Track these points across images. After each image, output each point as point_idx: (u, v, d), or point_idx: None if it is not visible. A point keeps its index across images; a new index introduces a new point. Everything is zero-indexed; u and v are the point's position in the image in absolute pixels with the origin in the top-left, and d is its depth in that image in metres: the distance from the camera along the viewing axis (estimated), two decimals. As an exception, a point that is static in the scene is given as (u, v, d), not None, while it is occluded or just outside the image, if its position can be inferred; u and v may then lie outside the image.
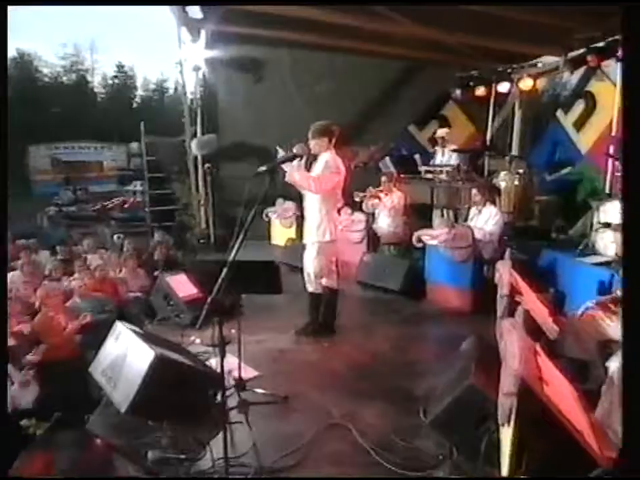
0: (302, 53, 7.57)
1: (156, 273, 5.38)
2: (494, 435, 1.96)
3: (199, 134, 6.24)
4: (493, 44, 6.14)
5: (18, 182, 21.06)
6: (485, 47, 6.22)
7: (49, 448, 1.86)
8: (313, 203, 3.84)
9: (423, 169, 6.58)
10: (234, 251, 1.90)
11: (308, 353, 3.73)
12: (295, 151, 3.29)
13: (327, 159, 3.72)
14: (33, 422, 2.43)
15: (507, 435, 1.66)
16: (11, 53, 28.44)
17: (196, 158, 6.31)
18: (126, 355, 2.68)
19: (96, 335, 4.74)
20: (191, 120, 6.29)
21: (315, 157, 3.75)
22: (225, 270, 1.84)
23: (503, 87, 7.48)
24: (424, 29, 5.78)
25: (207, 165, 5.41)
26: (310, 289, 3.96)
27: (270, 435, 2.61)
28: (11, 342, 4.30)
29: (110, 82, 32.05)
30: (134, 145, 21.30)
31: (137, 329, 2.93)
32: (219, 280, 1.82)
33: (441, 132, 6.93)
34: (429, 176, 6.41)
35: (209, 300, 1.81)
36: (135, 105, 31.40)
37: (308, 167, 3.79)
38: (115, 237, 7.83)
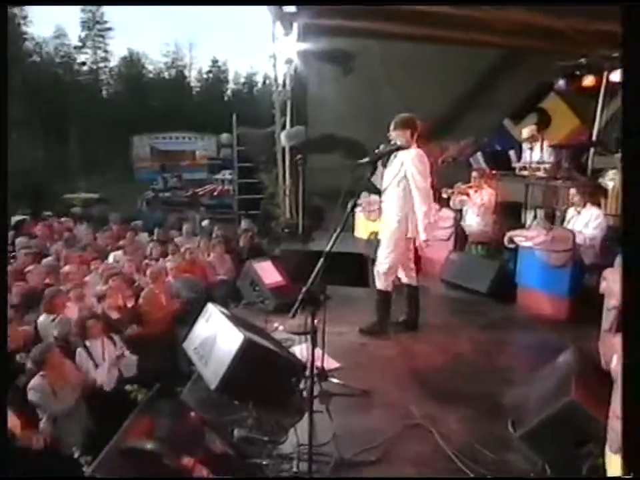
0: (392, 44, 7.41)
1: (244, 261, 5.60)
2: (598, 461, 1.78)
3: (287, 126, 6.38)
4: (610, 27, 5.53)
5: (122, 169, 23.14)
6: (600, 30, 5.63)
7: (152, 415, 2.01)
8: (392, 198, 3.74)
9: (517, 165, 6.17)
10: (331, 242, 1.90)
11: (389, 348, 3.67)
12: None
13: (413, 156, 3.60)
14: (135, 387, 2.64)
15: (616, 464, 1.50)
16: (123, 52, 31.17)
17: (284, 149, 6.46)
18: (216, 336, 2.82)
19: (187, 313, 5.08)
20: (281, 112, 6.43)
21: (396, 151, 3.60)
22: (321, 260, 1.85)
23: (617, 76, 6.73)
24: (529, 14, 5.38)
25: (298, 156, 5.51)
26: (379, 286, 3.84)
27: (349, 428, 2.61)
28: (113, 315, 4.74)
29: (204, 76, 33.94)
30: (224, 136, 22.36)
31: (227, 312, 3.07)
32: (316, 270, 1.83)
33: (527, 131, 6.40)
34: (524, 173, 6.00)
35: (304, 289, 1.83)
36: (226, 98, 32.96)
37: (385, 162, 3.68)
38: (205, 222, 8.30)
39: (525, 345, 3.99)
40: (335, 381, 3.04)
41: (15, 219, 9.06)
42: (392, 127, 3.65)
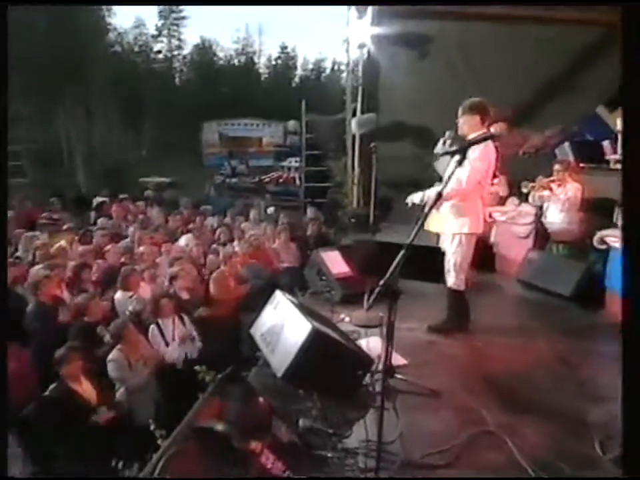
0: (471, 25, 7.03)
1: (310, 249, 5.66)
2: None
3: (358, 112, 6.30)
4: None
5: (192, 154, 24.17)
6: None
7: (222, 397, 2.08)
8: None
9: (612, 158, 5.68)
10: (413, 233, 1.84)
11: (459, 348, 3.55)
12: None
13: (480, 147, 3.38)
14: (203, 369, 2.74)
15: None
16: (196, 40, 32.37)
17: (353, 136, 6.40)
18: (284, 324, 2.85)
19: (251, 299, 5.22)
20: (352, 98, 6.36)
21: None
22: (402, 252, 1.80)
23: None
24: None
25: (372, 144, 5.43)
26: (449, 283, 3.69)
27: (416, 428, 2.55)
28: (184, 295, 4.97)
29: (273, 63, 34.43)
30: (291, 123, 22.64)
31: (295, 300, 3.10)
32: (396, 262, 1.78)
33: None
34: (619, 166, 5.52)
35: (382, 281, 1.79)
36: (293, 85, 33.28)
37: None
38: (271, 209, 8.47)
39: (615, 357, 3.69)
40: (402, 377, 2.98)
41: (96, 200, 9.75)
42: (460, 111, 3.48)
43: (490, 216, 5.27)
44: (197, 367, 2.67)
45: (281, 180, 16.39)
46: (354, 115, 6.38)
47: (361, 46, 6.72)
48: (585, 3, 4.87)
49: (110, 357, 3.94)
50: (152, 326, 4.46)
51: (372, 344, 3.24)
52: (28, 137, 18.32)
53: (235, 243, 6.66)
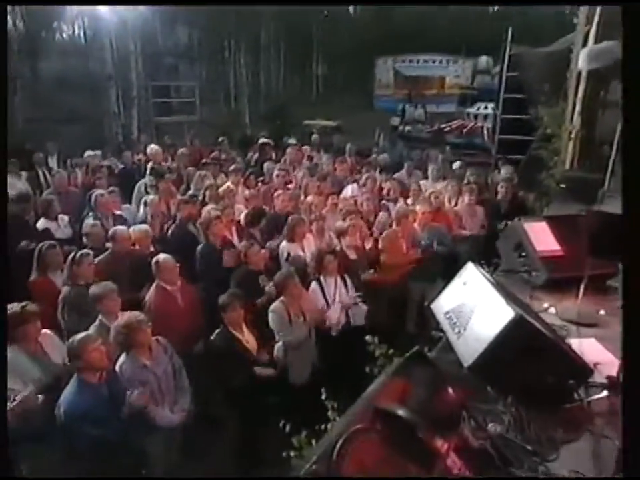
0: None
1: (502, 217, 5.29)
2: None
3: (591, 41, 5.44)
4: None
5: (361, 95, 24.42)
6: None
7: (408, 379, 2.04)
8: None
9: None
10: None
11: None
12: None
13: None
14: (375, 341, 2.76)
15: None
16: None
17: (579, 74, 5.59)
18: (476, 305, 2.68)
19: (427, 266, 5.12)
20: (586, 20, 5.50)
21: None
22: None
23: None
24: None
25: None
26: None
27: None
28: (351, 255, 5.09)
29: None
30: (482, 59, 21.18)
31: (491, 278, 2.89)
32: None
33: None
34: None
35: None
36: (490, 9, 30.72)
37: None
38: (457, 164, 8.09)
39: None
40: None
41: (260, 141, 10.49)
42: None
43: None
44: (368, 337, 2.69)
45: (465, 130, 15.57)
46: (585, 44, 5.51)
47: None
48: (585, 2, 5.31)
49: (272, 307, 4.26)
50: (313, 283, 4.69)
51: (586, 347, 2.89)
52: (197, 74, 20.54)
53: (409, 200, 6.56)
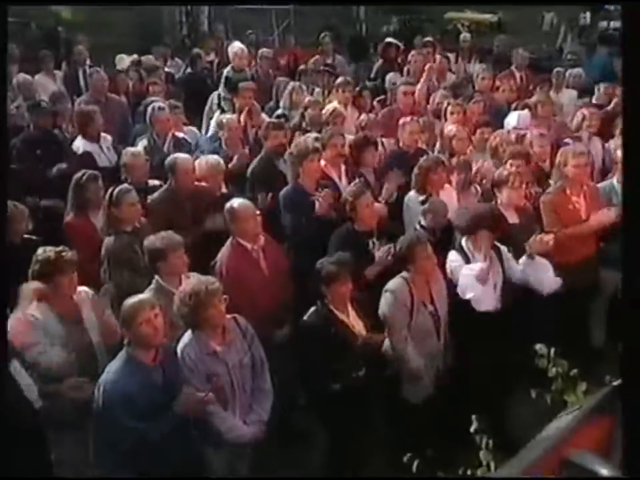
0: None
1: None
2: None
3: None
4: None
5: None
6: None
7: (610, 420, 2.02)
8: None
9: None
10: None
11: None
12: None
13: None
14: (550, 352, 2.66)
15: None
16: None
17: None
18: None
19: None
20: None
21: None
22: None
23: None
24: None
25: None
26: None
27: None
28: (510, 217, 4.97)
29: None
30: None
31: None
32: None
33: None
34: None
35: None
36: None
37: None
38: None
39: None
40: None
41: (382, 44, 10.29)
42: None
43: None
44: (538, 346, 2.57)
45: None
46: None
47: None
48: (585, 2, 6.95)
49: (391, 284, 4.22)
50: (452, 251, 4.59)
51: None
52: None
53: (613, 141, 6.27)
